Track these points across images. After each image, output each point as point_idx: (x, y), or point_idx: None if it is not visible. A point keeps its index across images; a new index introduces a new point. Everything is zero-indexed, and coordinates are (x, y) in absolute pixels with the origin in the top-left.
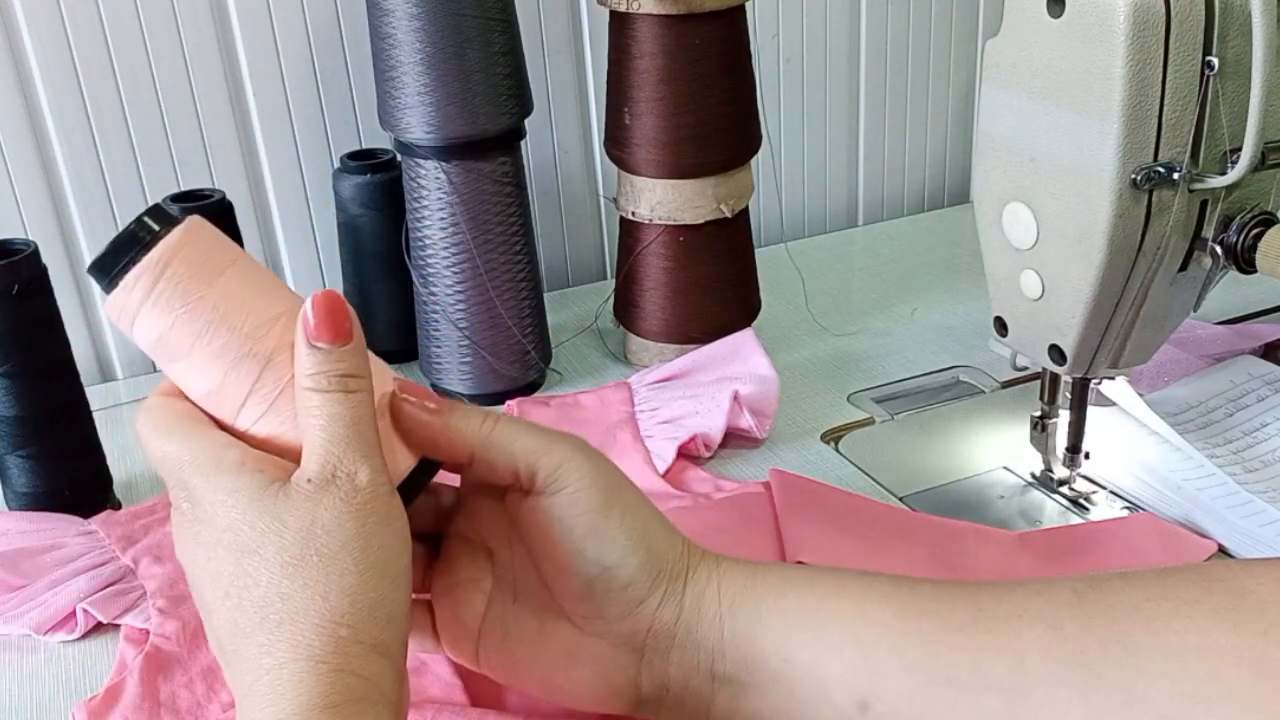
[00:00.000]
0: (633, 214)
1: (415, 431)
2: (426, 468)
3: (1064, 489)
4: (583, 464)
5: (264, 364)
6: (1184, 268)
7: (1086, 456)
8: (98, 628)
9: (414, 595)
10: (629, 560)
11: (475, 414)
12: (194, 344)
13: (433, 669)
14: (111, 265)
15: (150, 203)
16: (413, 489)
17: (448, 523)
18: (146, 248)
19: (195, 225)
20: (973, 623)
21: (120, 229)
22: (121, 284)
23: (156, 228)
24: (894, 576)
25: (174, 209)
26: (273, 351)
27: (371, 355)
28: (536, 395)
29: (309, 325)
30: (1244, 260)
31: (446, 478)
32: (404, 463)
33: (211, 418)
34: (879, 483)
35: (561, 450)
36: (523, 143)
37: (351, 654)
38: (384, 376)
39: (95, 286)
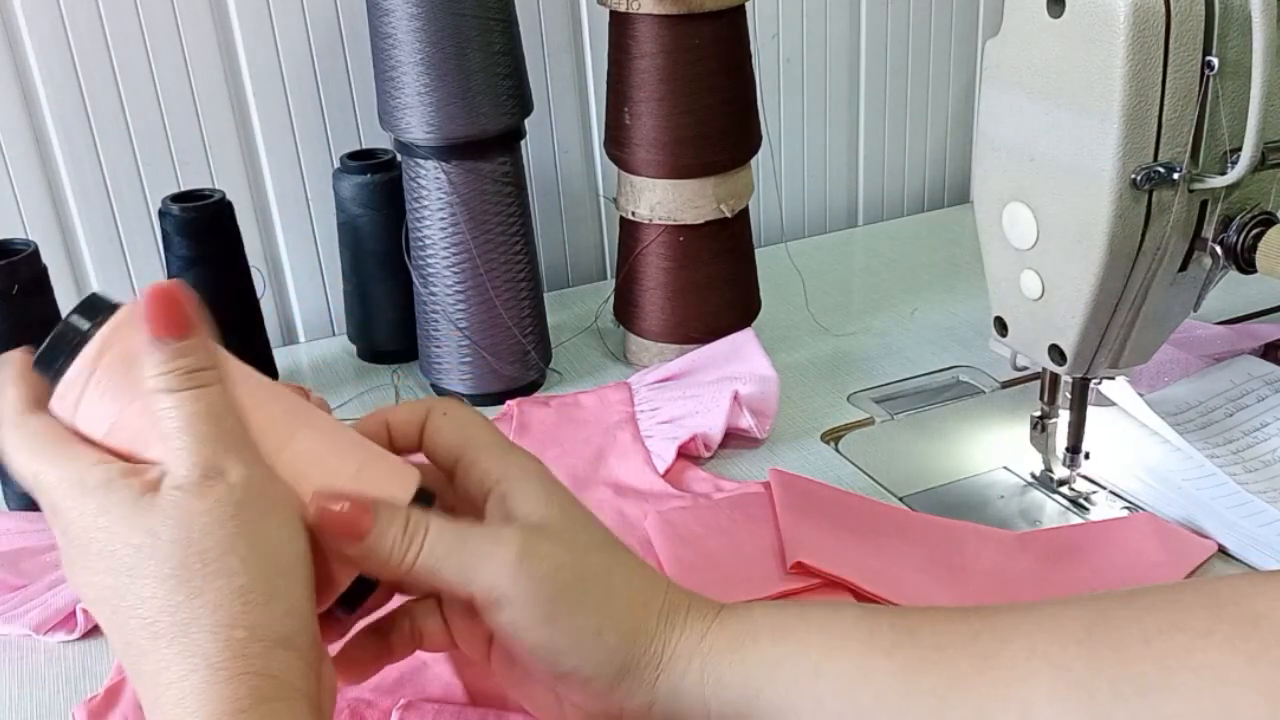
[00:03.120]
0: (633, 214)
1: (341, 553)
2: (366, 583)
3: (1064, 489)
4: (518, 580)
5: None
6: (1184, 268)
7: (1086, 456)
8: (98, 628)
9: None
10: (586, 661)
11: (396, 534)
12: (141, 428)
13: (433, 669)
14: (49, 365)
15: (150, 202)
16: (355, 599)
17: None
18: (78, 347)
19: (128, 315)
20: (977, 672)
21: (83, 300)
22: (59, 388)
23: (86, 325)
24: (897, 621)
25: (106, 300)
26: None
27: (338, 423)
28: (536, 395)
29: (146, 321)
30: (1244, 260)
31: None
32: (341, 576)
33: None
34: (879, 483)
35: (493, 569)
36: (523, 143)
37: (252, 654)
38: (360, 452)
39: (95, 287)
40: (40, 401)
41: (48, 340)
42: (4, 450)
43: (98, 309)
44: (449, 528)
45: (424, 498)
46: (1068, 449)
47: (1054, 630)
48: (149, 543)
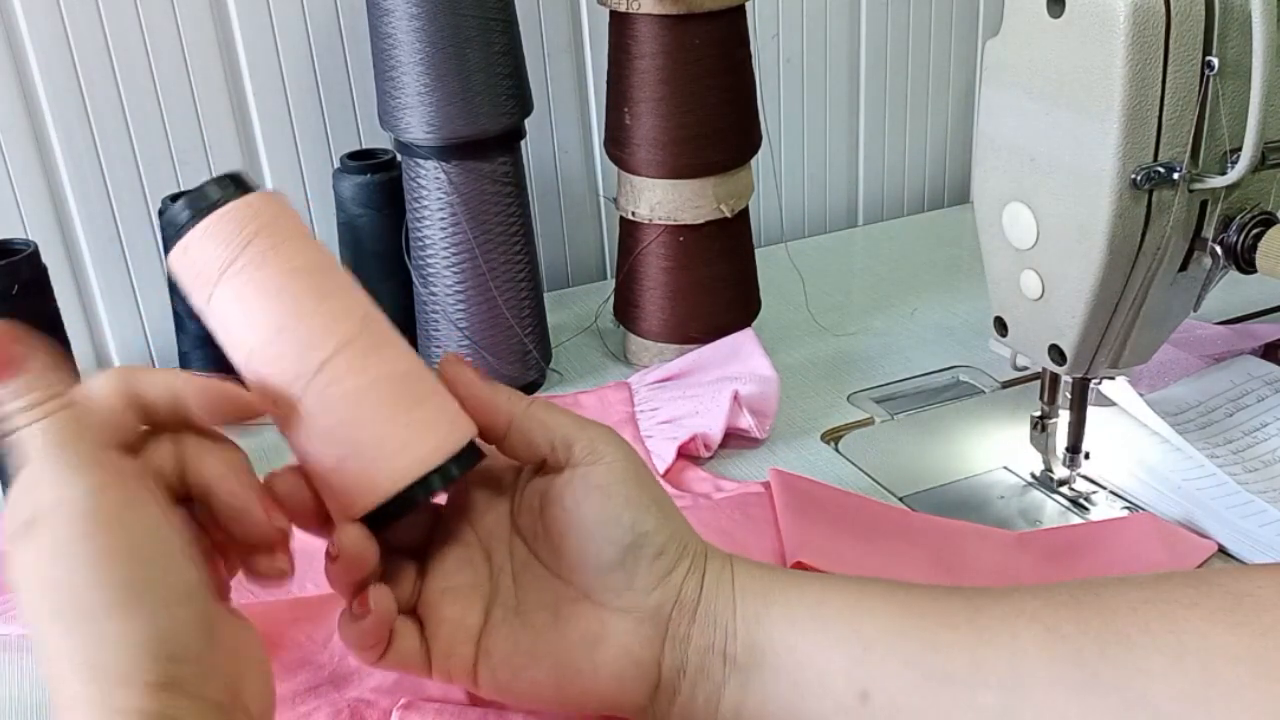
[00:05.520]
0: (633, 214)
1: (459, 396)
2: (473, 452)
3: (1064, 489)
4: (615, 438)
5: (315, 323)
6: (1184, 268)
7: (1086, 456)
8: None
9: (401, 611)
10: (663, 528)
11: (513, 391)
12: (260, 292)
13: None
14: (228, 188)
15: (150, 202)
16: (465, 462)
17: (435, 530)
18: (230, 197)
19: (275, 195)
20: (968, 621)
21: (202, 184)
22: (244, 199)
23: (236, 185)
24: (890, 580)
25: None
26: (333, 314)
27: (393, 330)
28: (536, 395)
29: None
30: (1244, 260)
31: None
32: (465, 430)
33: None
34: (879, 483)
35: (594, 427)
36: (523, 143)
37: (117, 706)
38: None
39: (95, 286)
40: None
41: (220, 176)
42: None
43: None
44: (546, 400)
45: (475, 452)
46: (1068, 449)
47: (1044, 597)
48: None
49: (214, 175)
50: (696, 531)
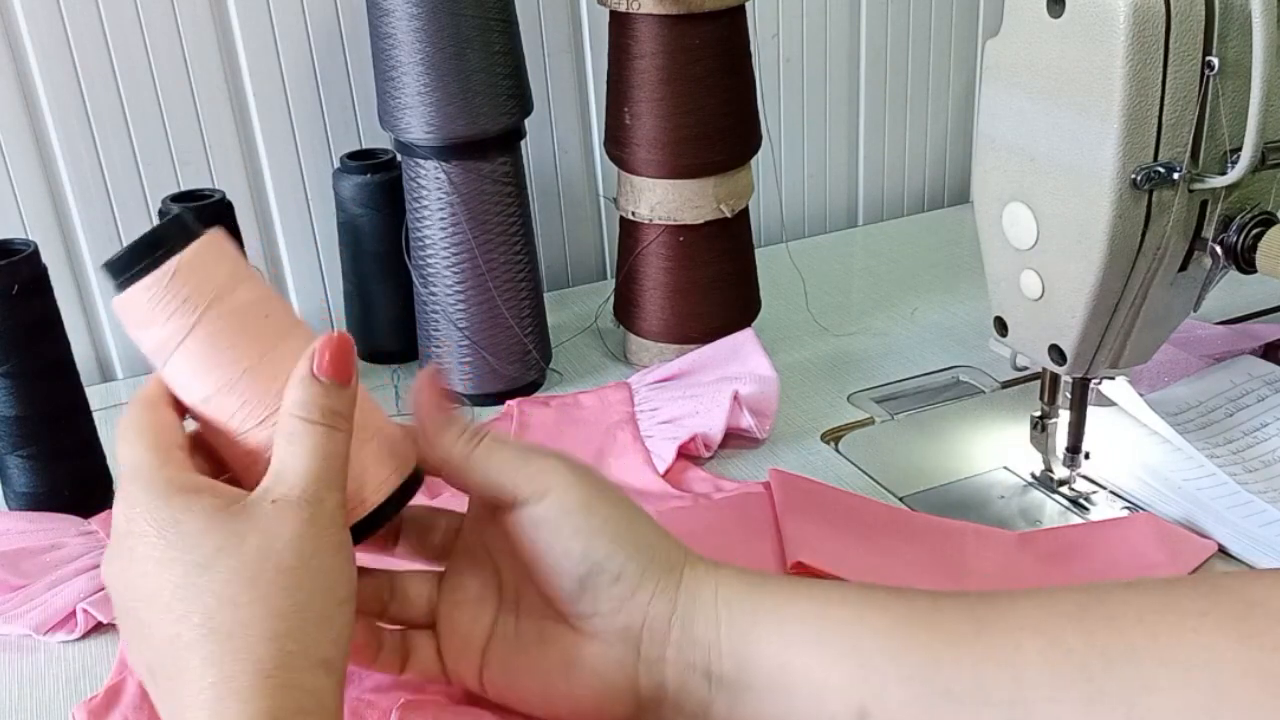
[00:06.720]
0: (633, 214)
1: (423, 431)
2: (408, 487)
3: (1064, 489)
4: (562, 470)
5: (258, 383)
6: (1184, 268)
7: (1086, 456)
8: (98, 628)
9: (418, 623)
10: (616, 554)
11: (464, 433)
12: (194, 355)
13: None
14: (125, 268)
15: (150, 202)
16: (396, 504)
17: (453, 546)
18: (160, 260)
19: (212, 240)
20: (972, 635)
21: (140, 234)
22: (132, 288)
23: (173, 238)
24: (892, 588)
25: (194, 222)
26: (274, 372)
27: (368, 396)
28: (536, 395)
29: (316, 359)
30: (1244, 260)
31: (454, 502)
32: (396, 476)
33: (208, 425)
34: (879, 483)
35: (540, 461)
36: (523, 143)
37: (298, 668)
38: (377, 414)
39: (95, 287)
40: (169, 399)
41: (130, 245)
42: (117, 429)
43: (182, 230)
44: (500, 438)
45: (416, 476)
46: (1068, 449)
47: (1049, 607)
48: (233, 542)
49: (153, 225)
50: (687, 536)
